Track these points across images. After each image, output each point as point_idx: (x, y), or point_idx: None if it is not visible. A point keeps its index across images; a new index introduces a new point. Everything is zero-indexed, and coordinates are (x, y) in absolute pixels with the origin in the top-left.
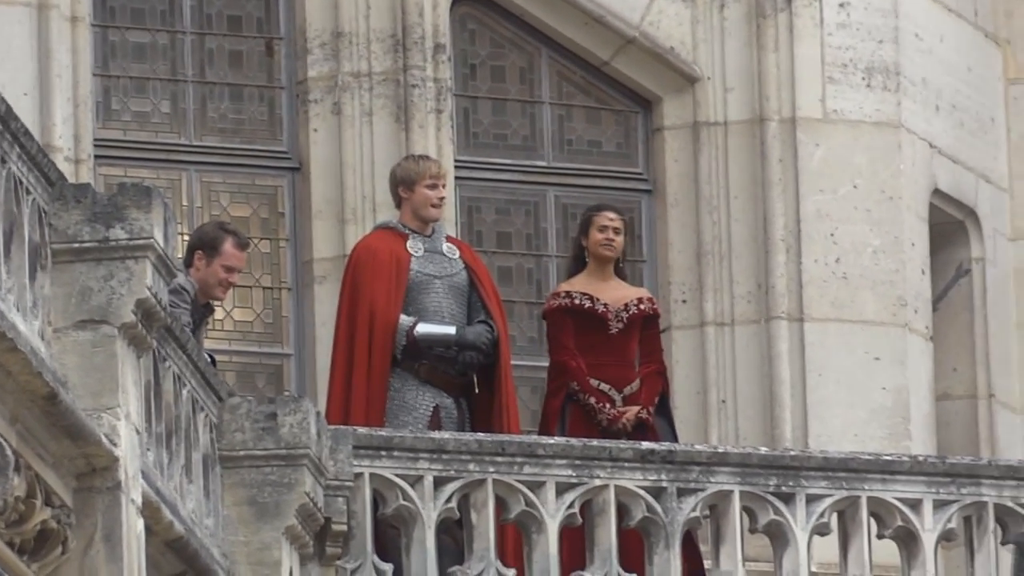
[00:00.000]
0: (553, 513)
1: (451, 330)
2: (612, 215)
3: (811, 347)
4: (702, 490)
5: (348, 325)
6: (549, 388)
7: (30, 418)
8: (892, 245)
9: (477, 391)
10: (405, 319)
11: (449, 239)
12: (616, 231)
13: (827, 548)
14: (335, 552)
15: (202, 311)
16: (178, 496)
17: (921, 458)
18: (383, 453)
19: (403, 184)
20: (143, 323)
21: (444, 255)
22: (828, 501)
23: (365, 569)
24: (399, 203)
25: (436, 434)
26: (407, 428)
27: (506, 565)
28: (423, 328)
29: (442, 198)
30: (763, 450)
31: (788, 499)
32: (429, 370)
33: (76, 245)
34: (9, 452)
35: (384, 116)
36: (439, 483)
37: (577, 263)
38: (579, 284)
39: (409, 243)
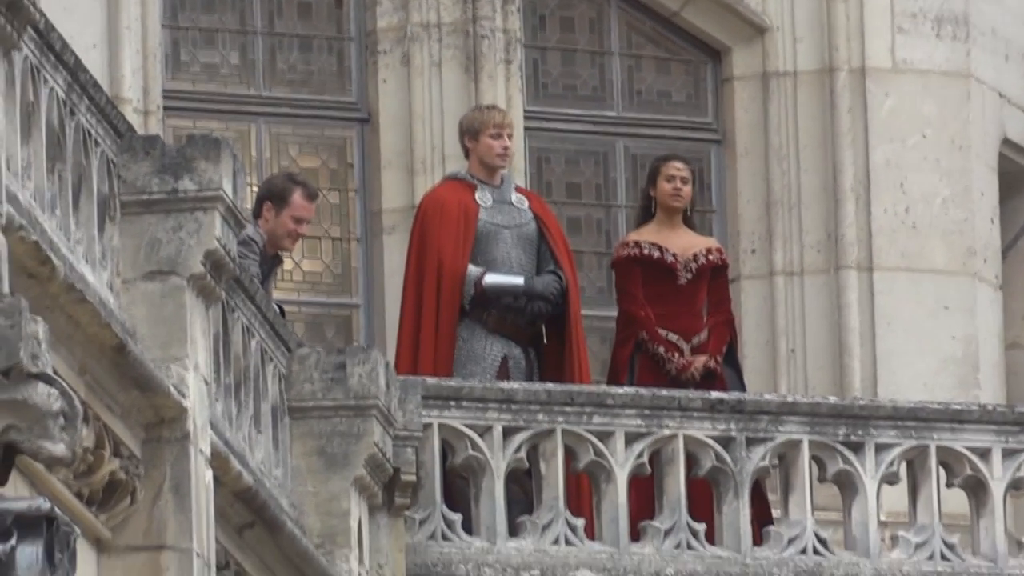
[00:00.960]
0: (622, 463)
1: (519, 280)
2: (680, 164)
3: (880, 296)
4: (771, 439)
5: (416, 276)
6: (617, 338)
7: (99, 369)
8: (961, 194)
9: (546, 341)
10: (473, 269)
11: (518, 189)
12: (684, 180)
13: (896, 497)
14: (404, 502)
15: (271, 262)
16: (247, 447)
17: (990, 407)
18: (452, 403)
19: (468, 134)
20: (212, 274)
21: (513, 205)
22: (897, 450)
23: (434, 519)
24: (467, 153)
25: (505, 384)
26: (475, 378)
27: (575, 515)
28: (491, 278)
29: (507, 147)
30: (832, 399)
31: (857, 448)
32: (497, 320)
33: (145, 196)
34: (78, 403)
35: (453, 67)
36: (508, 433)
37: (646, 213)
38: (648, 234)
39: (477, 194)
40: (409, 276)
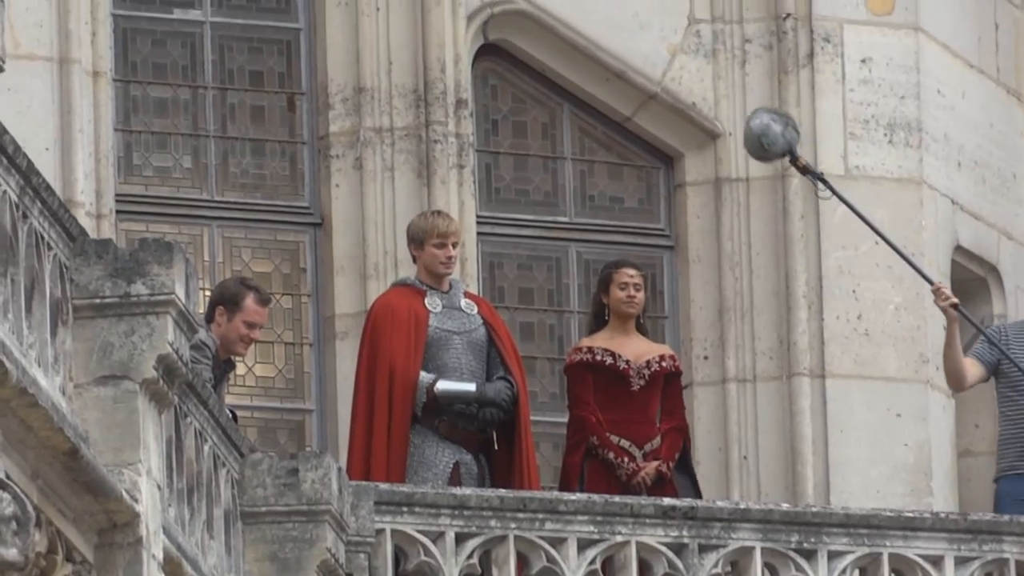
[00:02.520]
0: (575, 569)
1: (471, 387)
2: (632, 271)
3: (833, 403)
4: (724, 546)
5: (368, 382)
6: (568, 443)
7: (51, 474)
8: (914, 302)
9: (496, 448)
10: (425, 376)
11: (467, 295)
12: (637, 287)
13: None
14: None
15: (223, 367)
16: (199, 552)
17: (943, 515)
18: (404, 509)
19: (413, 242)
20: (164, 379)
21: (462, 311)
22: (850, 558)
23: None
24: (415, 261)
25: (457, 490)
26: (428, 484)
27: None
28: (443, 385)
29: (451, 257)
30: (784, 506)
31: (810, 555)
32: (449, 426)
33: (97, 301)
34: (30, 507)
35: (406, 171)
36: (461, 539)
37: (598, 320)
38: (601, 340)
39: (427, 299)
40: (360, 382)
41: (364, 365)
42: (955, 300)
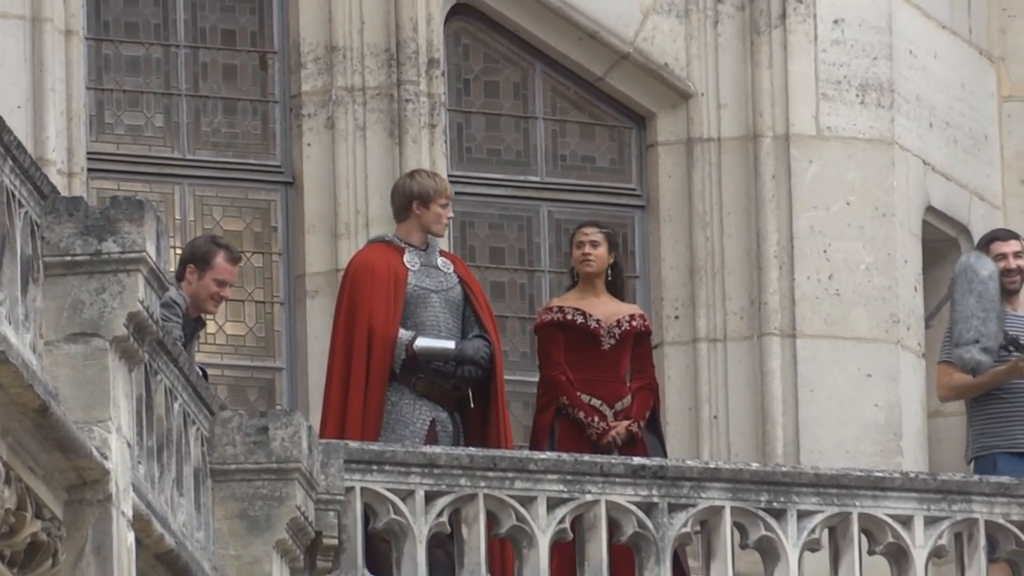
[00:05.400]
0: (544, 528)
1: (450, 344)
2: (589, 229)
3: (803, 363)
4: (693, 506)
5: (346, 339)
6: (539, 403)
7: (21, 431)
8: (885, 262)
9: (472, 406)
10: (404, 333)
11: (443, 253)
12: (593, 244)
13: (818, 564)
14: (325, 566)
15: (193, 325)
16: (169, 509)
17: (912, 475)
18: (374, 467)
19: (419, 199)
20: (135, 336)
21: (439, 269)
22: (819, 517)
23: None
24: (404, 217)
25: (427, 448)
26: (405, 442)
27: None
28: (422, 342)
29: (451, 217)
30: (754, 466)
31: (779, 515)
32: (426, 384)
33: (68, 258)
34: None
35: (378, 131)
36: (430, 497)
37: (571, 280)
38: (571, 299)
39: (406, 257)
40: (338, 339)
41: (342, 321)
42: None
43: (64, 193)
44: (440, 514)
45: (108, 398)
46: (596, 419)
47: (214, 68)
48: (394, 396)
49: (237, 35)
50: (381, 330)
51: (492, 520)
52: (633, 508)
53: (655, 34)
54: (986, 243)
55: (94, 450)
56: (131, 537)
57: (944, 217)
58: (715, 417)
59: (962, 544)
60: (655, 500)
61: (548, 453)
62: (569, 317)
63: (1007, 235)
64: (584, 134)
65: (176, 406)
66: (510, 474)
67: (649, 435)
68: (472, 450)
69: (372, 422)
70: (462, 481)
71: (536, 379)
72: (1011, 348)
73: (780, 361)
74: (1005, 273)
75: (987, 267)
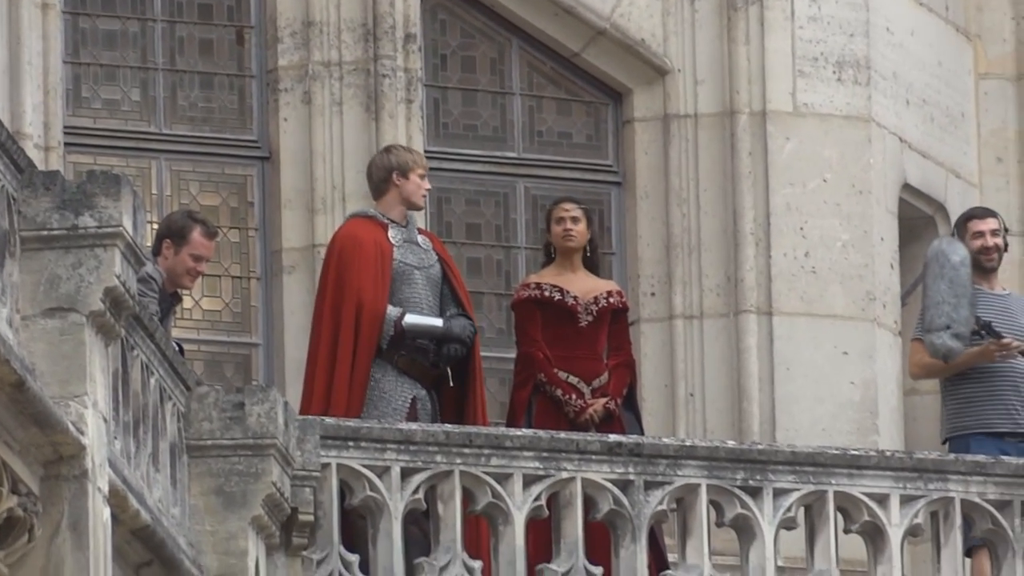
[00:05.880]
0: (520, 505)
1: (438, 322)
2: (569, 205)
3: (780, 341)
4: (669, 483)
5: (332, 314)
6: (516, 380)
7: None
8: (861, 239)
9: (452, 384)
10: (392, 310)
11: (420, 231)
12: (575, 219)
13: (794, 542)
14: (301, 542)
15: (170, 300)
16: (145, 485)
17: (888, 453)
18: (350, 444)
19: (398, 170)
20: (111, 311)
21: (420, 246)
22: (795, 495)
23: (332, 559)
24: (383, 192)
25: (403, 425)
26: (386, 419)
27: (472, 557)
28: (411, 319)
29: (429, 189)
30: (730, 444)
31: (755, 493)
32: (407, 361)
33: (45, 232)
34: None
35: (354, 106)
36: (406, 474)
37: (547, 257)
38: (548, 276)
39: (390, 232)
40: (324, 314)
41: (328, 296)
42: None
43: (41, 167)
44: (416, 491)
45: (84, 373)
46: (573, 396)
47: (191, 42)
48: (377, 372)
49: (214, 9)
50: (370, 306)
51: (468, 497)
52: (609, 485)
53: (632, 10)
54: (964, 221)
55: (70, 425)
56: (107, 512)
57: (921, 195)
58: (691, 395)
59: (938, 523)
60: (631, 478)
61: (524, 430)
62: (547, 294)
63: (984, 213)
64: (561, 110)
65: (152, 381)
66: (486, 451)
67: (626, 412)
68: (448, 427)
69: (357, 398)
70: (438, 458)
71: (512, 356)
72: (983, 333)
73: (756, 338)
74: (983, 251)
75: (959, 252)
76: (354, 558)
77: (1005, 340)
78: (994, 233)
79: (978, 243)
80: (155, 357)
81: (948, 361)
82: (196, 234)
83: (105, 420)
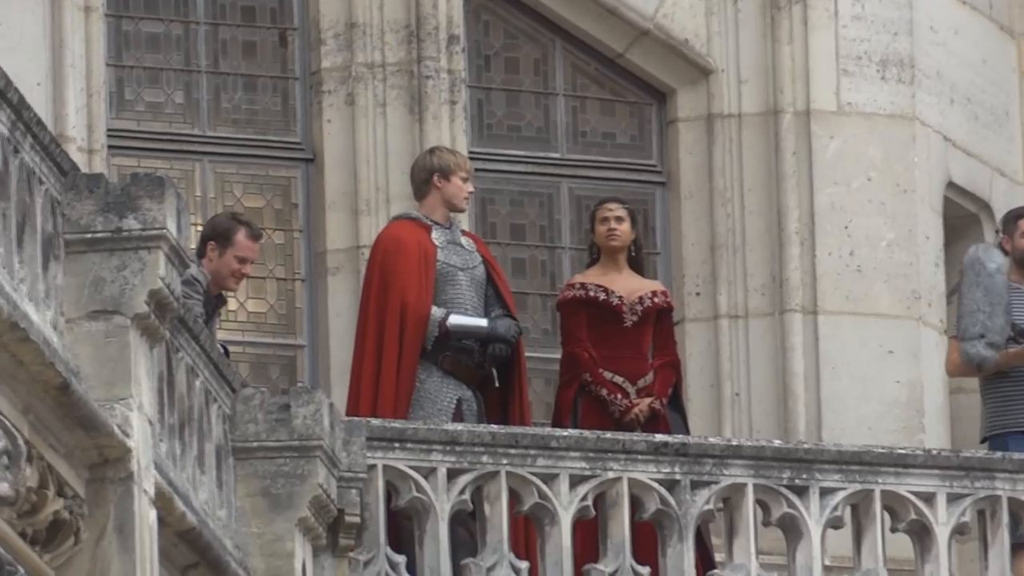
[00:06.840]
0: (566, 505)
1: (483, 322)
2: (612, 205)
3: (825, 340)
4: (715, 483)
5: (378, 316)
6: (561, 380)
7: (42, 408)
8: (906, 238)
9: (497, 384)
10: (437, 311)
11: (464, 232)
12: (619, 219)
13: (841, 541)
14: (348, 544)
15: (215, 302)
16: (191, 487)
17: (935, 451)
18: (396, 445)
19: (439, 172)
20: (156, 314)
21: (463, 247)
22: (842, 494)
23: (378, 561)
24: (425, 193)
25: (449, 426)
26: (431, 420)
27: (519, 558)
28: (456, 320)
29: (472, 192)
30: (776, 443)
31: (802, 492)
32: (452, 362)
33: (89, 235)
34: (21, 442)
35: (398, 107)
36: (452, 475)
37: (592, 258)
38: (593, 276)
39: (433, 234)
40: (369, 314)
41: (373, 298)
42: None
43: (84, 170)
44: (462, 491)
45: (129, 376)
46: (619, 396)
47: (234, 45)
48: (422, 374)
49: (257, 11)
50: (414, 307)
51: (514, 498)
52: (655, 485)
53: (675, 10)
54: (1014, 219)
55: (116, 428)
56: (153, 515)
57: (965, 193)
58: (737, 394)
59: (985, 521)
60: (677, 477)
61: (570, 430)
62: (592, 294)
63: None
64: (604, 110)
65: (198, 383)
66: (532, 451)
67: (671, 412)
68: (494, 427)
69: (403, 399)
70: (484, 458)
71: (557, 356)
72: (1020, 339)
73: (802, 338)
74: None
75: (995, 260)
76: (401, 559)
77: None
78: None
79: None
80: (200, 359)
81: (982, 370)
82: (241, 236)
83: (150, 423)
